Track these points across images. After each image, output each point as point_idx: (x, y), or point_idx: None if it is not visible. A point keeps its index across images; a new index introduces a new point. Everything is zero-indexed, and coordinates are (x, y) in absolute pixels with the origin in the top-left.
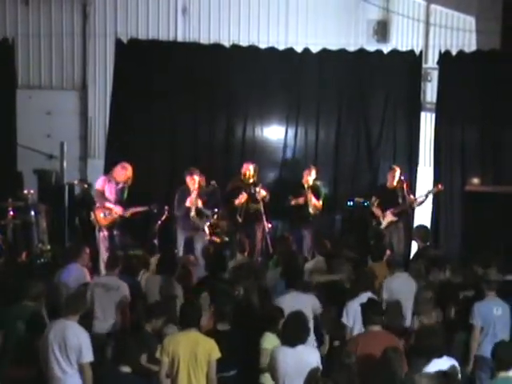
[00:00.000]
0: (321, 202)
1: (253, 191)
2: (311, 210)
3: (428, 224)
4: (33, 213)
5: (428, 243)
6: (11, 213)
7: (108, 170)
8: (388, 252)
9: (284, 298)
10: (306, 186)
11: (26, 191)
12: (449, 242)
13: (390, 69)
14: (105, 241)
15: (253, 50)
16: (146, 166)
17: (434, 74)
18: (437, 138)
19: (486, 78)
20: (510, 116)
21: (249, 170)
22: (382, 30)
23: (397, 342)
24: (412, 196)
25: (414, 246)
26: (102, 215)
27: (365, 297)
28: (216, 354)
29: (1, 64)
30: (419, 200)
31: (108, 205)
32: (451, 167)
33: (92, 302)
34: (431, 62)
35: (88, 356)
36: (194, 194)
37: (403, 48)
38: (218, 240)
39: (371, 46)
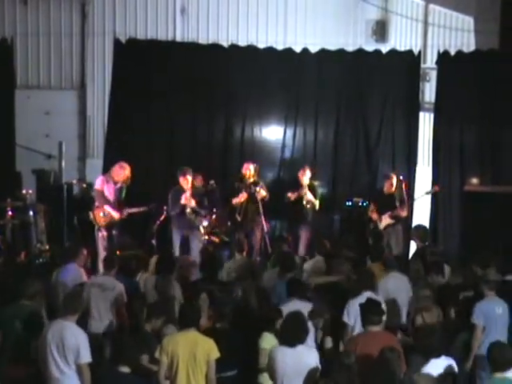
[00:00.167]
0: (317, 202)
1: (253, 191)
2: (304, 203)
3: (427, 224)
4: (31, 213)
5: (427, 243)
6: (10, 213)
7: (107, 169)
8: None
9: (287, 305)
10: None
11: (24, 191)
12: (448, 242)
13: (389, 69)
14: (103, 241)
15: (251, 49)
16: (145, 166)
17: (433, 74)
18: (435, 138)
19: (484, 78)
20: (508, 116)
21: (249, 169)
22: (381, 29)
23: (396, 342)
24: (406, 208)
25: (413, 246)
26: (101, 214)
27: (366, 296)
28: (215, 354)
29: None
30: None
31: (107, 208)
32: (450, 167)
33: (88, 301)
34: (430, 61)
35: (86, 357)
36: (187, 194)
37: (402, 48)
38: (216, 240)
39: (370, 46)
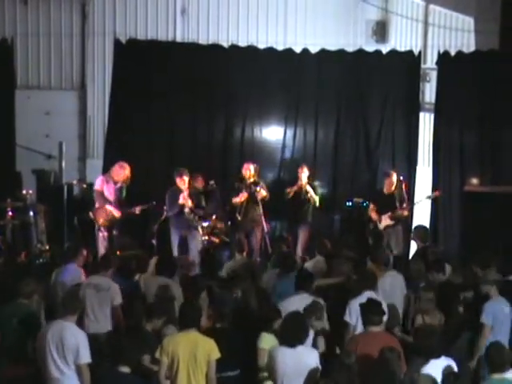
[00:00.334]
0: (317, 198)
1: (253, 191)
2: (304, 193)
3: (427, 224)
4: (31, 213)
5: (427, 243)
6: (10, 213)
7: (107, 169)
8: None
9: (294, 298)
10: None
11: (24, 191)
12: (448, 242)
13: (389, 69)
14: (104, 241)
15: (252, 50)
16: (145, 166)
17: (433, 75)
18: (435, 139)
19: (484, 79)
20: (508, 116)
21: (249, 169)
22: (381, 30)
23: (396, 342)
24: (405, 207)
25: (414, 247)
26: (103, 215)
27: (367, 295)
28: (215, 354)
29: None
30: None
31: (108, 207)
32: (450, 167)
33: (83, 302)
34: (430, 62)
35: (85, 357)
36: (185, 194)
37: (402, 48)
38: (216, 240)
39: (370, 47)
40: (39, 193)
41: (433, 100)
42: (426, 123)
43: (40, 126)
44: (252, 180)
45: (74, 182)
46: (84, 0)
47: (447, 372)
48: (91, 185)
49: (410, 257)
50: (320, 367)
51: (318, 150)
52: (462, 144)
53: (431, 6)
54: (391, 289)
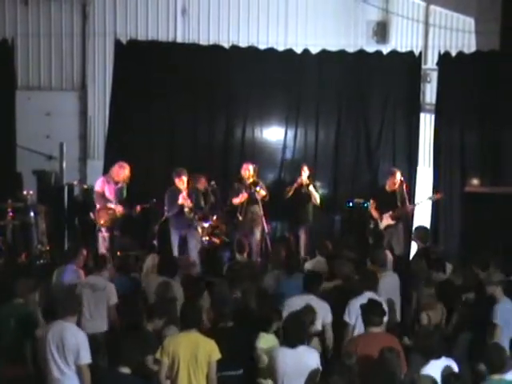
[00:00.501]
0: (318, 196)
1: (252, 191)
2: (305, 186)
3: (428, 225)
4: (32, 214)
5: (428, 244)
6: (10, 214)
7: (107, 170)
8: (387, 253)
9: (301, 298)
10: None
11: (25, 192)
12: (448, 243)
13: (390, 70)
14: (104, 241)
15: (252, 50)
16: (145, 166)
17: (434, 75)
18: (436, 139)
19: (485, 79)
20: (509, 117)
21: (248, 169)
22: (382, 30)
23: (397, 342)
24: (409, 204)
25: (414, 247)
26: (105, 215)
27: (368, 296)
28: (216, 355)
29: (0, 65)
30: (416, 206)
31: (110, 205)
32: (451, 168)
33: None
34: (430, 62)
35: (86, 357)
36: (184, 193)
37: (403, 49)
38: (217, 241)
39: (371, 47)
40: (40, 193)
41: (433, 100)
42: (427, 124)
43: (40, 126)
44: (251, 180)
45: (75, 182)
46: (84, 0)
47: (447, 373)
48: (92, 187)
49: (411, 257)
50: (320, 368)
51: (319, 151)
52: (463, 144)
53: (432, 7)
54: (389, 289)
